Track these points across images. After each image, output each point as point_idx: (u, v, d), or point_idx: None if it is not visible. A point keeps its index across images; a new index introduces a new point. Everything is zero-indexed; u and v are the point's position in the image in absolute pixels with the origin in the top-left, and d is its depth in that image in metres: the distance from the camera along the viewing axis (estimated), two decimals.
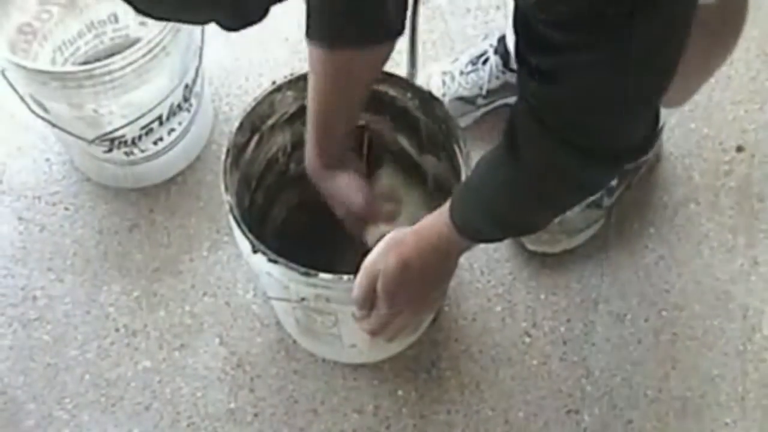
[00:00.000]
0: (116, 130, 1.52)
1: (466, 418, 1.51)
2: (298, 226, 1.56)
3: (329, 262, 1.28)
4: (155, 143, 1.59)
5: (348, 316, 1.26)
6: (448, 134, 1.33)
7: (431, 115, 1.34)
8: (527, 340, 1.57)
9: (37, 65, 1.51)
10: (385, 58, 1.21)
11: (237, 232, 1.25)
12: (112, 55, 1.69)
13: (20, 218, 1.67)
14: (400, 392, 1.53)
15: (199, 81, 1.60)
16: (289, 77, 1.36)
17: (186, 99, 1.57)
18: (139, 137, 1.56)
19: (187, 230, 1.66)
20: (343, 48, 1.15)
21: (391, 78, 1.35)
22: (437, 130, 1.35)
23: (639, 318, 1.59)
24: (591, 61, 0.83)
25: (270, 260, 1.21)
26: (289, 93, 1.37)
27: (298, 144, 1.45)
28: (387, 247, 1.16)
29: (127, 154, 1.59)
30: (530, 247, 1.60)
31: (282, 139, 1.44)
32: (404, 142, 1.44)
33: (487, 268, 1.62)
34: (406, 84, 1.36)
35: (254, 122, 1.37)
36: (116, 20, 1.70)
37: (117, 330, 1.58)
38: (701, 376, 1.55)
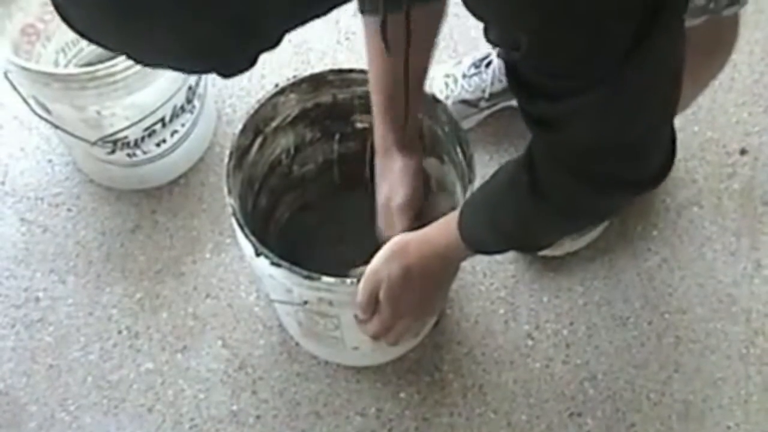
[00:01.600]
0: (119, 131, 1.52)
1: (468, 421, 1.51)
2: (302, 227, 1.57)
3: (332, 264, 1.28)
4: (158, 145, 1.59)
5: (350, 318, 1.26)
6: (451, 137, 1.33)
7: (435, 117, 1.34)
8: (530, 342, 1.57)
9: (39, 67, 1.50)
10: (440, 15, 1.20)
11: (240, 235, 1.25)
12: (115, 56, 1.70)
13: (23, 219, 1.67)
14: (402, 395, 1.53)
15: (202, 83, 1.60)
16: (292, 80, 1.35)
17: (189, 101, 1.57)
18: (142, 139, 1.56)
19: (190, 232, 1.66)
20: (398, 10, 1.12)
21: None
22: (440, 133, 1.35)
23: (642, 321, 1.59)
24: (589, 103, 0.82)
25: (273, 263, 1.21)
26: (292, 96, 1.37)
27: (301, 146, 1.46)
28: (391, 253, 1.16)
29: (129, 155, 1.59)
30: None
31: (285, 141, 1.43)
32: None
33: (489, 271, 1.61)
34: None
35: (257, 125, 1.36)
36: None
37: (119, 332, 1.58)
38: (704, 380, 1.55)
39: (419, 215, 1.29)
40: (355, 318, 1.24)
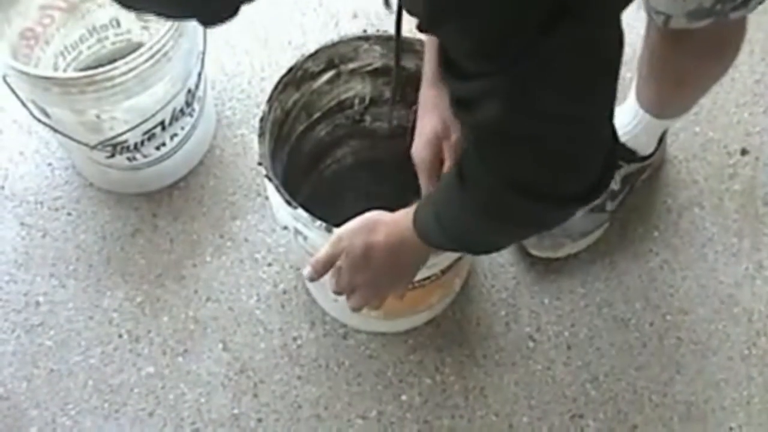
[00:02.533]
0: (118, 135, 1.52)
1: (470, 423, 1.51)
2: (361, 177, 1.59)
3: None
4: (158, 148, 1.59)
5: None
6: None
7: None
8: (531, 344, 1.57)
9: (38, 71, 1.50)
10: None
11: (256, 140, 1.29)
12: (114, 59, 1.69)
13: (23, 224, 1.67)
14: (404, 397, 1.53)
15: (201, 86, 1.59)
16: (380, 32, 1.37)
17: (188, 104, 1.56)
18: (142, 142, 1.55)
19: (190, 235, 1.65)
20: None
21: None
22: None
23: (643, 322, 1.58)
24: (494, 85, 0.81)
25: (266, 176, 1.25)
26: (377, 47, 1.37)
27: (377, 100, 1.47)
28: (360, 227, 1.17)
29: (129, 159, 1.58)
30: (534, 251, 1.59)
31: (362, 87, 1.44)
32: None
33: (490, 273, 1.61)
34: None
35: (332, 58, 1.37)
36: (118, 25, 1.70)
37: (120, 336, 1.57)
38: (706, 381, 1.55)
39: None
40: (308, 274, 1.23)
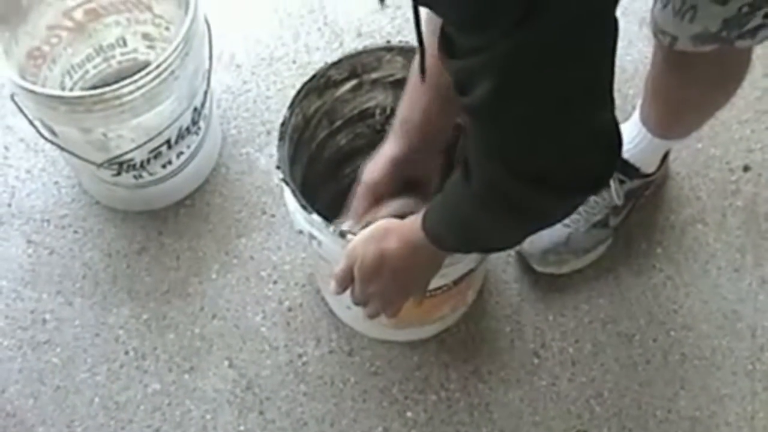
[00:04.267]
0: (125, 153, 1.53)
1: None
2: None
3: None
4: (164, 166, 1.60)
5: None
6: None
7: None
8: (536, 361, 1.57)
9: (46, 90, 1.51)
10: None
11: (277, 144, 1.32)
12: (120, 78, 1.70)
13: (29, 241, 1.68)
14: (409, 414, 1.53)
15: (207, 104, 1.60)
16: (403, 43, 1.40)
17: (195, 122, 1.58)
18: (148, 160, 1.56)
19: (196, 253, 1.66)
20: None
21: None
22: None
23: (647, 338, 1.59)
24: (486, 64, 0.79)
25: (283, 180, 1.28)
26: (399, 58, 1.40)
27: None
28: (372, 236, 1.18)
29: (135, 177, 1.59)
30: (538, 268, 1.60)
31: (383, 97, 1.47)
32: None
33: (495, 290, 1.62)
34: None
35: (355, 66, 1.40)
36: (125, 44, 1.72)
37: (126, 353, 1.58)
38: (710, 396, 1.55)
39: (384, 207, 1.28)
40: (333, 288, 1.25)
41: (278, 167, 1.30)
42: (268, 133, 1.76)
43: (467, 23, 0.79)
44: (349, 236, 1.23)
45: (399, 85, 1.44)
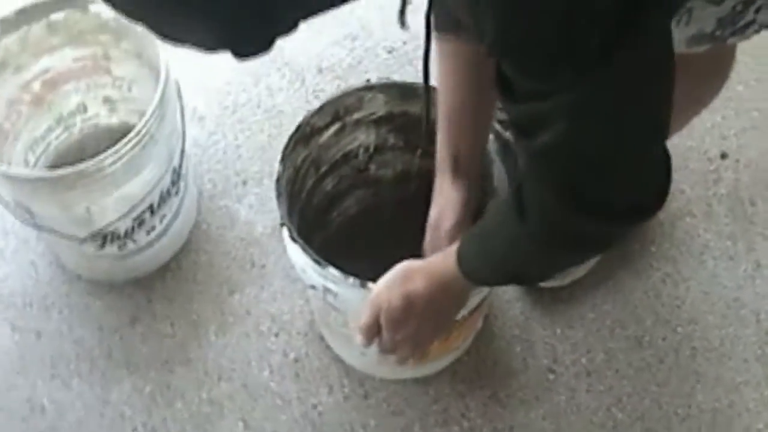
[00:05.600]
0: (109, 225, 1.47)
1: None
2: (368, 226, 1.58)
3: (383, 270, 1.25)
4: (148, 233, 1.55)
5: (357, 320, 1.27)
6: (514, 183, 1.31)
7: (506, 161, 1.33)
8: (551, 377, 1.56)
9: (26, 172, 1.46)
10: None
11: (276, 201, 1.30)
12: (84, 146, 1.66)
13: (14, 327, 1.61)
14: None
15: (184, 163, 1.56)
16: (384, 80, 1.39)
17: (174, 183, 1.53)
18: (132, 229, 1.51)
19: (190, 316, 1.61)
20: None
21: None
22: (507, 178, 1.33)
23: (656, 338, 1.59)
24: (559, 107, 0.80)
25: (291, 237, 1.24)
26: (380, 96, 1.38)
27: (381, 148, 1.47)
28: (394, 279, 1.16)
29: (120, 247, 1.54)
30: (541, 283, 1.59)
31: (366, 137, 1.45)
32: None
33: (499, 311, 1.60)
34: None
35: (338, 110, 1.38)
36: (85, 110, 1.66)
37: (135, 429, 1.52)
38: (726, 386, 1.56)
39: None
40: (359, 341, 1.23)
41: (282, 224, 1.27)
42: (244, 183, 1.72)
43: (537, 69, 0.78)
44: (370, 285, 1.20)
45: (381, 122, 1.44)
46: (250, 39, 0.75)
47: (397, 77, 1.82)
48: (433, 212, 1.30)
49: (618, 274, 1.64)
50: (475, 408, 1.54)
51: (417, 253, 1.28)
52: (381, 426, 1.52)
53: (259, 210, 1.70)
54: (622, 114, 0.81)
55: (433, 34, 1.14)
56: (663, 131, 0.86)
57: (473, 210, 1.29)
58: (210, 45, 0.76)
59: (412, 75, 1.82)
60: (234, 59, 0.78)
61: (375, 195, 1.58)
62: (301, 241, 1.25)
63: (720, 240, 1.67)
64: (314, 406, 1.53)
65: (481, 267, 1.09)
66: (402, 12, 1.09)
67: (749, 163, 1.73)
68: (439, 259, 1.17)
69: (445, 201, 1.28)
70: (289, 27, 0.75)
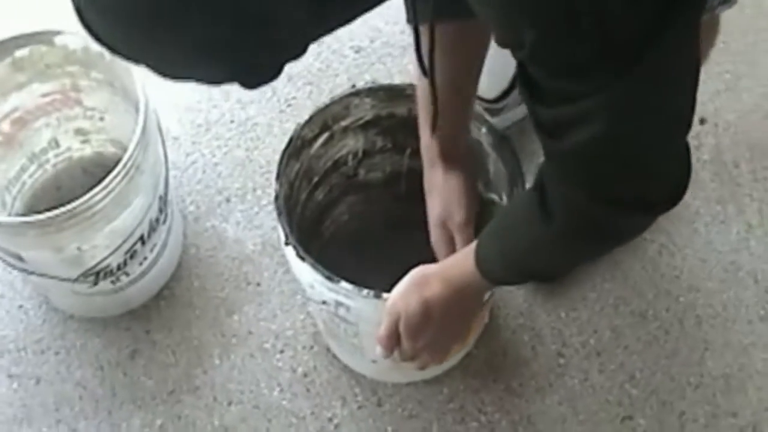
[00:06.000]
0: (101, 261, 1.43)
1: None
2: (361, 231, 1.57)
3: (377, 273, 1.26)
4: (140, 264, 1.51)
5: (369, 329, 1.26)
6: (512, 177, 1.30)
7: (502, 155, 1.32)
8: (562, 361, 1.56)
9: (11, 219, 1.41)
10: (483, 35, 1.17)
11: (277, 221, 1.27)
12: (59, 182, 1.62)
13: (10, 375, 1.56)
14: None
15: (168, 189, 1.52)
16: (370, 84, 1.37)
17: (161, 210, 1.49)
18: (125, 262, 1.47)
19: (191, 342, 1.58)
20: (449, 21, 1.09)
21: None
22: (503, 172, 1.33)
23: (660, 310, 1.59)
24: (594, 108, 0.80)
25: (298, 255, 1.22)
26: (367, 100, 1.37)
27: (370, 152, 1.46)
28: (410, 286, 1.15)
29: (113, 282, 1.50)
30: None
31: (354, 143, 1.43)
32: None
33: (501, 303, 1.59)
34: (483, 120, 1.33)
35: (326, 120, 1.36)
36: (57, 145, 1.62)
37: None
38: (734, 350, 1.57)
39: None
40: (379, 354, 1.21)
41: (287, 243, 1.24)
42: (228, 200, 1.68)
43: (574, 72, 0.77)
44: (385, 295, 1.18)
45: (369, 126, 1.42)
46: (260, 69, 0.74)
47: (368, 77, 1.81)
48: (436, 209, 1.28)
49: (613, 251, 1.63)
50: (490, 402, 1.53)
51: (413, 252, 1.27)
52: (399, 431, 1.51)
53: (246, 227, 1.66)
54: (657, 109, 0.81)
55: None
56: (690, 123, 0.87)
57: (477, 191, 1.29)
58: (218, 80, 0.75)
59: (383, 73, 1.81)
60: (242, 89, 0.77)
61: (366, 200, 1.56)
62: (310, 258, 1.22)
63: (709, 205, 1.67)
64: (330, 420, 1.51)
65: (501, 268, 1.07)
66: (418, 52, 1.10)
67: (728, 126, 1.74)
68: (454, 262, 1.15)
69: (448, 194, 1.26)
70: (300, 51, 0.74)
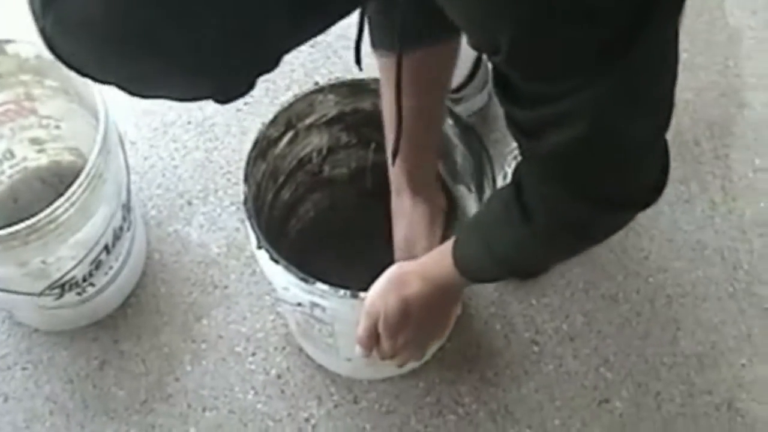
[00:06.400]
0: (66, 273, 1.40)
1: None
2: (326, 228, 1.56)
3: (346, 272, 1.27)
4: (106, 273, 1.48)
5: (344, 329, 1.25)
6: (480, 167, 1.29)
7: (469, 144, 1.31)
8: (536, 348, 1.56)
9: None
10: (451, 57, 1.18)
11: (247, 224, 1.25)
12: (15, 194, 1.58)
13: None
14: None
15: (130, 196, 1.49)
16: (333, 80, 1.35)
17: (125, 218, 1.46)
18: (90, 273, 1.44)
19: (161, 350, 1.55)
20: (414, 49, 1.09)
21: None
22: (470, 161, 1.32)
23: (630, 292, 1.60)
24: (572, 109, 0.79)
25: (272, 258, 1.20)
26: (331, 96, 1.35)
27: (334, 148, 1.45)
28: (389, 285, 1.14)
29: (79, 293, 1.47)
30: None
31: (318, 140, 1.42)
32: (441, 167, 1.40)
33: (473, 293, 1.59)
34: (449, 111, 1.32)
35: (290, 119, 1.35)
36: (12, 155, 1.58)
37: None
38: (705, 328, 1.58)
39: None
40: (358, 354, 1.21)
41: (260, 247, 1.22)
42: (189, 203, 1.66)
43: (553, 74, 0.76)
44: (362, 295, 1.17)
45: (333, 123, 1.41)
46: (236, 84, 0.73)
47: (324, 70, 1.79)
48: (401, 233, 1.29)
49: None
50: (467, 393, 1.52)
51: (380, 247, 1.28)
52: (377, 428, 1.50)
53: (209, 229, 1.64)
54: (637, 107, 0.80)
55: (375, 53, 1.15)
56: (669, 120, 0.86)
57: (442, 221, 1.29)
58: (195, 97, 0.74)
59: (340, 66, 1.79)
60: (215, 104, 0.76)
61: (331, 196, 1.54)
62: (284, 261, 1.20)
63: (673, 185, 1.65)
64: (306, 420, 1.50)
65: (480, 267, 1.07)
66: (357, 49, 1.09)
67: (686, 104, 1.75)
68: (432, 259, 1.14)
69: (411, 225, 1.27)
70: (274, 64, 0.73)
